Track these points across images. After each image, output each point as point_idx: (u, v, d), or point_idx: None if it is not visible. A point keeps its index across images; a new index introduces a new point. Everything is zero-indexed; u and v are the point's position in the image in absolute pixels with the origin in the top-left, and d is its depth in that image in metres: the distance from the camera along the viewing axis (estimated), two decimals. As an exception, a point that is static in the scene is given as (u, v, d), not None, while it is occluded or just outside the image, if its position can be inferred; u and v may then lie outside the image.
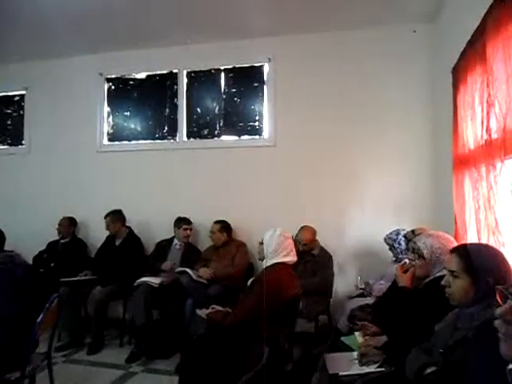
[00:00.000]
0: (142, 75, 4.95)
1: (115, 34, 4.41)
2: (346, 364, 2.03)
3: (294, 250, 2.75)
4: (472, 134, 2.57)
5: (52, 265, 4.38)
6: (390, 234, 3.51)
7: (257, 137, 4.61)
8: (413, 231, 3.21)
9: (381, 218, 4.05)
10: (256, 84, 4.61)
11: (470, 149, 2.62)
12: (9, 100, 5.38)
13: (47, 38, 4.44)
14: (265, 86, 4.56)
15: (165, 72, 4.86)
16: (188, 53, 4.65)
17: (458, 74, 2.95)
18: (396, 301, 2.19)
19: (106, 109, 5.03)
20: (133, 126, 5.05)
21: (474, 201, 2.44)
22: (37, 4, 3.70)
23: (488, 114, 2.19)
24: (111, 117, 5.05)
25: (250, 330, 2.44)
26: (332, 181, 4.25)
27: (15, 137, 5.32)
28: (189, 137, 4.79)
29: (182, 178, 4.66)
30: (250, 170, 4.49)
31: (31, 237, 4.64)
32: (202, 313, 2.76)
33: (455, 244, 2.04)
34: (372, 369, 1.93)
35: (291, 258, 2.71)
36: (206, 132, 4.77)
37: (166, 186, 4.68)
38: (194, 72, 4.79)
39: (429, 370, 1.52)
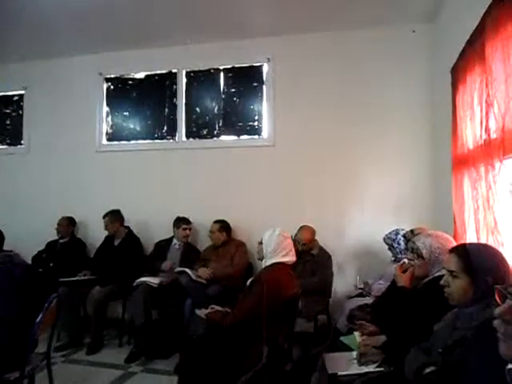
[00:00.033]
0: (141, 75, 4.95)
1: (117, 33, 4.40)
2: (345, 364, 2.03)
3: (293, 249, 2.75)
4: (471, 134, 2.57)
5: (51, 265, 4.37)
6: (389, 233, 3.52)
7: (256, 137, 4.61)
8: (412, 231, 3.21)
9: (380, 218, 4.05)
10: (255, 84, 4.61)
11: (469, 149, 2.63)
12: (8, 100, 5.37)
13: (48, 38, 4.44)
14: (264, 86, 4.56)
15: (164, 72, 4.86)
16: (187, 53, 4.65)
17: (457, 73, 2.95)
18: (395, 301, 2.20)
19: (105, 108, 5.03)
20: (132, 126, 5.04)
21: (473, 201, 2.44)
22: (38, 3, 3.69)
23: (487, 113, 2.19)
24: (110, 117, 5.05)
25: (250, 330, 2.43)
26: (331, 180, 4.25)
27: (14, 137, 5.32)
28: (188, 137, 4.79)
29: (181, 177, 4.66)
30: (249, 169, 4.49)
31: (30, 236, 4.63)
32: (202, 313, 2.76)
33: (454, 244, 2.04)
34: (371, 368, 1.93)
35: (290, 257, 2.71)
36: (205, 132, 4.76)
37: (166, 185, 4.67)
38: (193, 72, 4.79)
39: (428, 370, 1.52)
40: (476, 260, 1.51)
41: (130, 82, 5.00)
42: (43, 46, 4.67)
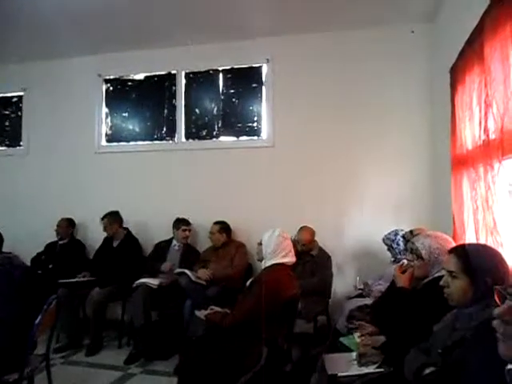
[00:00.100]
0: (141, 76, 4.95)
1: (116, 35, 4.40)
2: (345, 364, 2.03)
3: (292, 250, 2.75)
4: (470, 135, 2.57)
5: (50, 266, 4.37)
6: (389, 234, 3.51)
7: (255, 137, 4.61)
8: (411, 231, 3.21)
9: (379, 218, 4.05)
10: (254, 85, 4.62)
11: (467, 149, 2.63)
12: (7, 101, 5.37)
13: (47, 39, 4.43)
14: (263, 87, 4.56)
15: (163, 73, 4.86)
16: (186, 54, 4.65)
17: (456, 74, 2.95)
18: (394, 301, 2.19)
19: (105, 110, 5.03)
20: (131, 127, 5.04)
21: (472, 201, 2.44)
22: (37, 4, 3.69)
23: (486, 114, 2.19)
24: (109, 118, 5.05)
25: (249, 331, 2.43)
26: (330, 181, 4.25)
27: (13, 138, 5.31)
28: (187, 138, 4.79)
29: (181, 178, 4.66)
30: (248, 170, 4.49)
31: (29, 238, 4.63)
32: (201, 314, 2.75)
33: (453, 244, 2.04)
34: (371, 369, 1.93)
35: (290, 258, 2.71)
36: (204, 133, 4.77)
37: (165, 186, 4.67)
38: (193, 73, 4.79)
39: (427, 371, 1.52)
40: (475, 260, 1.51)
41: (130, 83, 5.00)
42: (42, 47, 4.67)
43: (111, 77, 5.00)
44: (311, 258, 3.87)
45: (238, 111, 4.69)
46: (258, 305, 2.38)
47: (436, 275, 1.97)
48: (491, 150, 2.09)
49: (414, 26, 4.04)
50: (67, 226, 4.63)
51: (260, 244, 2.76)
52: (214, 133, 4.73)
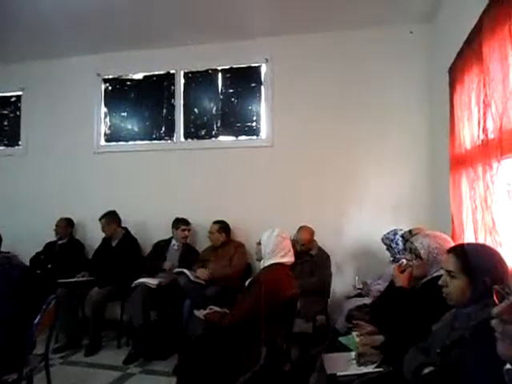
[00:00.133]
0: (139, 76, 4.95)
1: (115, 34, 4.40)
2: (344, 364, 2.03)
3: (291, 250, 2.75)
4: (469, 134, 2.58)
5: (49, 266, 4.37)
6: (388, 234, 3.52)
7: (254, 137, 4.61)
8: (410, 231, 3.21)
9: (378, 218, 4.05)
10: (253, 84, 4.62)
11: (466, 149, 2.63)
12: (5, 101, 5.36)
13: (46, 39, 4.43)
14: (262, 87, 4.56)
15: (162, 72, 4.86)
16: (185, 53, 4.64)
17: (455, 73, 2.96)
18: (393, 301, 2.20)
19: (103, 109, 5.03)
20: (130, 127, 5.04)
21: (470, 201, 2.45)
22: (37, 4, 3.69)
23: (484, 114, 2.19)
24: (108, 117, 5.05)
25: (248, 331, 2.43)
26: (329, 181, 4.25)
27: (12, 138, 5.31)
28: (186, 137, 4.79)
29: (180, 178, 4.66)
30: (247, 170, 4.49)
31: (28, 238, 4.62)
32: (200, 313, 2.75)
33: (452, 244, 2.04)
34: (370, 369, 1.93)
35: (289, 258, 2.71)
36: (203, 132, 4.76)
37: (164, 186, 4.67)
38: (192, 72, 4.79)
39: (426, 370, 1.52)
40: (474, 260, 1.51)
41: (128, 83, 5.00)
42: (41, 46, 4.67)
43: (110, 76, 5.00)
44: (310, 258, 3.87)
45: (236, 111, 4.69)
46: (257, 304, 2.38)
47: (435, 275, 1.98)
48: (490, 150, 2.09)
49: (413, 26, 4.04)
50: (66, 225, 4.63)
51: (259, 244, 2.76)
52: (213, 132, 4.73)
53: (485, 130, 2.18)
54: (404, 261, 2.30)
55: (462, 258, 1.55)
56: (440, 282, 1.61)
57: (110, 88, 5.04)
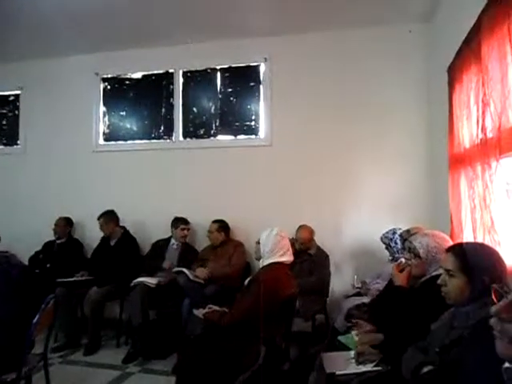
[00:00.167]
0: (138, 75, 4.94)
1: (114, 34, 4.39)
2: (343, 363, 2.03)
3: (290, 249, 2.75)
4: (467, 133, 2.58)
5: (48, 265, 4.36)
6: (387, 233, 3.52)
7: (253, 136, 4.61)
8: (408, 231, 3.21)
9: (377, 217, 4.05)
10: (252, 84, 4.61)
11: (465, 148, 2.64)
12: (4, 100, 5.35)
13: (45, 38, 4.43)
14: (261, 86, 4.56)
15: (161, 72, 4.85)
16: (184, 52, 4.64)
17: (454, 73, 2.96)
18: (392, 300, 2.20)
19: (102, 109, 5.02)
20: (129, 126, 5.03)
21: (469, 200, 2.45)
22: (37, 4, 3.69)
23: (483, 113, 2.20)
24: (107, 117, 5.04)
25: (247, 330, 2.43)
26: (328, 180, 4.25)
27: (10, 137, 5.30)
28: (185, 136, 4.78)
29: (179, 177, 4.66)
30: (246, 169, 4.49)
31: (27, 237, 4.61)
32: (199, 313, 2.75)
33: (451, 243, 2.04)
34: (369, 368, 1.93)
35: (288, 257, 2.71)
36: (202, 132, 4.76)
37: (163, 185, 4.67)
38: (190, 72, 4.78)
39: (425, 369, 1.52)
40: (473, 259, 1.51)
41: (127, 82, 4.99)
42: (39, 46, 4.66)
43: (109, 75, 4.99)
44: (309, 257, 3.88)
45: (235, 110, 4.69)
46: (256, 304, 2.38)
47: (433, 274, 1.98)
48: (489, 149, 2.09)
49: (412, 25, 4.04)
50: (65, 225, 4.62)
51: (258, 243, 2.76)
52: (212, 132, 4.73)
53: (484, 129, 2.18)
54: (403, 260, 2.30)
55: (460, 257, 1.55)
56: (439, 281, 1.61)
57: (108, 87, 5.04)
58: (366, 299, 3.15)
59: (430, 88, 3.97)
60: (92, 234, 4.63)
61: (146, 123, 4.95)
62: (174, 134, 4.79)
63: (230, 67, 4.67)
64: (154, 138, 4.89)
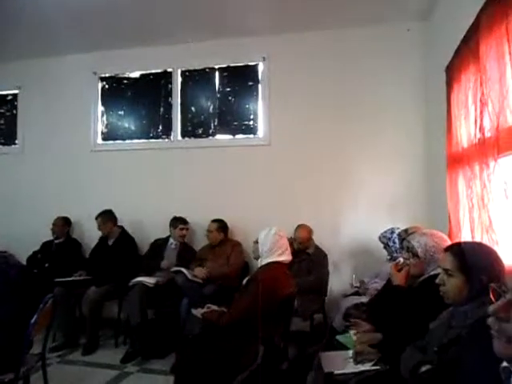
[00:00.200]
0: (136, 74, 4.94)
1: (112, 33, 4.38)
2: (341, 362, 2.03)
3: (288, 249, 2.75)
4: (465, 133, 2.58)
5: (46, 265, 4.36)
6: (385, 232, 3.53)
7: (251, 136, 4.60)
8: (406, 230, 3.21)
9: (375, 217, 4.06)
10: (250, 83, 4.61)
11: (463, 147, 2.64)
12: (1, 99, 5.33)
13: (47, 38, 4.42)
14: (259, 85, 4.56)
15: (159, 71, 4.84)
16: (182, 52, 4.64)
17: (452, 72, 2.96)
18: (390, 299, 2.20)
19: (100, 108, 5.01)
20: (127, 125, 5.03)
21: (467, 199, 2.45)
22: (38, 3, 3.68)
23: (481, 112, 2.20)
24: (105, 116, 5.03)
25: (246, 330, 2.43)
26: (327, 179, 4.26)
27: (8, 136, 5.28)
28: (183, 136, 4.78)
29: (177, 177, 4.65)
30: (244, 168, 4.49)
31: (26, 237, 4.60)
32: (198, 312, 2.75)
33: (449, 242, 2.04)
34: (367, 367, 1.93)
35: (286, 257, 2.71)
36: (200, 131, 4.76)
37: (161, 185, 4.66)
38: (189, 71, 4.78)
39: (424, 368, 1.53)
40: (471, 259, 1.52)
41: (125, 82, 4.98)
42: (39, 45, 4.65)
43: (107, 75, 4.99)
44: (307, 257, 3.88)
45: (234, 109, 4.69)
46: (254, 303, 2.38)
47: (432, 273, 1.98)
48: (487, 149, 2.09)
49: (410, 24, 4.04)
50: (63, 224, 4.62)
51: (256, 242, 2.76)
52: (210, 131, 4.72)
53: (482, 129, 2.19)
54: (401, 259, 2.31)
55: (458, 256, 1.56)
56: (437, 281, 1.61)
57: (106, 86, 5.03)
58: (364, 299, 3.15)
59: (428, 87, 3.97)
60: (90, 234, 4.63)
61: (144, 122, 4.94)
62: (172, 134, 4.79)
63: (228, 66, 4.67)
64: (152, 138, 4.88)
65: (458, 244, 1.71)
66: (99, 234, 4.43)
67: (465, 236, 2.57)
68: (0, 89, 5.29)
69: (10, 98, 5.30)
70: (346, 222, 4.21)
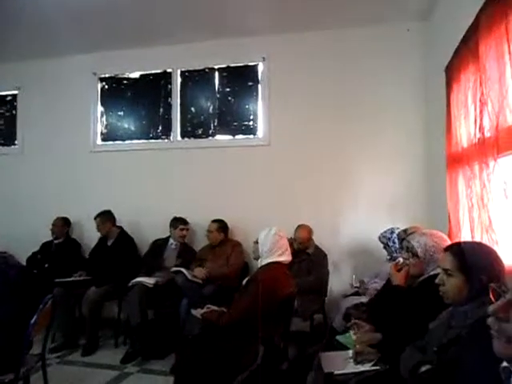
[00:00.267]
0: (136, 75, 4.94)
1: (111, 33, 4.39)
2: (341, 363, 2.03)
3: (288, 249, 2.75)
4: (465, 133, 2.58)
5: (46, 265, 4.36)
6: (385, 232, 3.52)
7: (251, 136, 4.60)
8: (406, 230, 3.21)
9: (375, 217, 4.06)
10: (250, 83, 4.61)
11: (463, 147, 2.64)
12: (1, 100, 5.34)
13: (47, 38, 4.42)
14: (259, 85, 4.56)
15: (159, 71, 4.84)
16: (182, 52, 4.64)
17: (452, 72, 2.96)
18: (390, 299, 2.20)
19: (100, 108, 5.01)
20: (126, 126, 5.03)
21: (467, 199, 2.45)
22: (39, 3, 3.68)
23: (481, 112, 2.20)
24: (105, 116, 5.03)
25: (245, 330, 2.43)
26: (327, 179, 4.25)
27: (8, 137, 5.29)
28: (183, 136, 4.78)
29: (177, 177, 4.65)
30: (244, 169, 4.49)
31: (25, 237, 4.60)
32: (197, 313, 2.75)
33: (449, 242, 2.04)
34: (367, 367, 1.93)
35: (286, 257, 2.71)
36: (200, 131, 4.76)
37: (161, 185, 4.66)
38: (188, 71, 4.78)
39: (423, 369, 1.52)
40: (471, 258, 1.51)
41: (125, 82, 4.98)
42: (39, 45, 4.65)
43: (106, 75, 4.99)
44: (307, 257, 3.88)
45: (233, 110, 4.69)
46: (254, 303, 2.38)
47: (431, 273, 1.98)
48: (486, 148, 2.09)
49: (410, 23, 4.04)
50: (62, 225, 4.61)
51: (256, 242, 2.76)
52: (210, 131, 4.72)
53: (481, 129, 2.19)
54: (401, 259, 2.31)
55: (458, 256, 1.56)
56: (437, 281, 1.61)
57: (106, 87, 5.03)
58: (364, 299, 3.15)
59: (428, 87, 3.97)
60: (90, 234, 4.62)
61: (144, 123, 4.94)
62: (172, 134, 4.79)
63: (228, 67, 4.67)
64: (152, 138, 4.88)
65: (458, 244, 1.71)
66: (99, 234, 4.43)
67: (464, 236, 2.57)
68: (0, 89, 5.28)
69: (9, 98, 5.30)
70: (346, 222, 4.20)
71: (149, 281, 3.84)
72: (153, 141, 4.86)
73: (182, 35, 4.39)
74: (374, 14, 3.94)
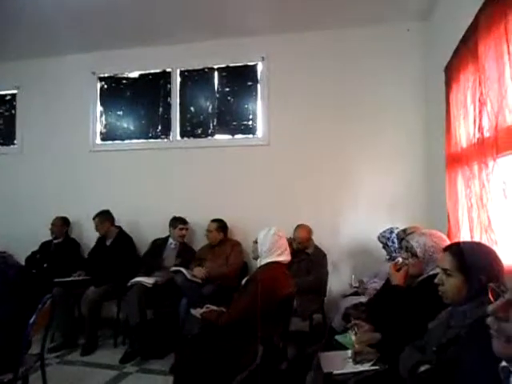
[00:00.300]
0: (135, 74, 4.93)
1: (110, 33, 4.38)
2: (341, 362, 2.03)
3: (288, 249, 2.75)
4: (464, 133, 2.58)
5: (45, 265, 4.35)
6: (384, 232, 3.52)
7: (250, 136, 4.60)
8: (405, 230, 3.21)
9: (374, 217, 4.06)
10: (249, 83, 4.61)
11: (462, 147, 2.64)
12: (0, 99, 5.33)
13: (47, 38, 4.42)
14: (258, 85, 4.56)
15: (158, 71, 4.84)
16: (181, 52, 4.64)
17: (451, 72, 2.96)
18: (389, 299, 2.20)
19: (99, 108, 5.01)
20: (126, 126, 5.02)
21: (466, 199, 2.45)
22: (39, 3, 3.68)
23: (480, 112, 2.20)
24: (104, 116, 5.03)
25: (245, 329, 2.43)
26: (326, 179, 4.25)
27: (7, 136, 5.28)
28: (182, 136, 4.78)
29: (176, 177, 4.65)
30: (243, 169, 4.49)
31: (24, 237, 4.60)
32: (197, 312, 2.75)
33: (448, 242, 2.04)
34: (366, 367, 1.93)
35: (285, 257, 2.71)
36: (199, 131, 4.75)
37: (160, 185, 4.66)
38: (188, 71, 4.78)
39: (422, 368, 1.52)
40: (470, 258, 1.52)
41: (124, 82, 4.98)
42: (38, 45, 4.64)
43: (106, 75, 4.98)
44: (307, 257, 3.88)
45: (233, 109, 4.69)
46: (253, 303, 2.38)
47: (431, 273, 1.98)
48: (486, 148, 2.09)
49: (410, 23, 4.04)
50: (62, 224, 4.61)
51: (255, 242, 2.76)
52: (209, 131, 4.72)
53: (480, 129, 2.19)
54: (400, 259, 2.31)
55: (457, 256, 1.56)
56: (436, 281, 1.61)
57: (105, 86, 5.03)
58: (363, 298, 3.15)
59: (428, 87, 3.97)
60: (89, 234, 4.62)
61: (143, 123, 4.94)
62: (171, 134, 4.78)
63: (227, 66, 4.66)
64: (151, 138, 4.88)
65: (457, 244, 1.71)
66: (97, 234, 4.42)
67: (464, 236, 2.57)
68: (-1, 89, 5.29)
69: (8, 97, 5.29)
70: (346, 222, 4.20)
71: (148, 280, 3.84)
72: (152, 140, 4.86)
73: (181, 35, 4.39)
74: (374, 14, 3.94)
